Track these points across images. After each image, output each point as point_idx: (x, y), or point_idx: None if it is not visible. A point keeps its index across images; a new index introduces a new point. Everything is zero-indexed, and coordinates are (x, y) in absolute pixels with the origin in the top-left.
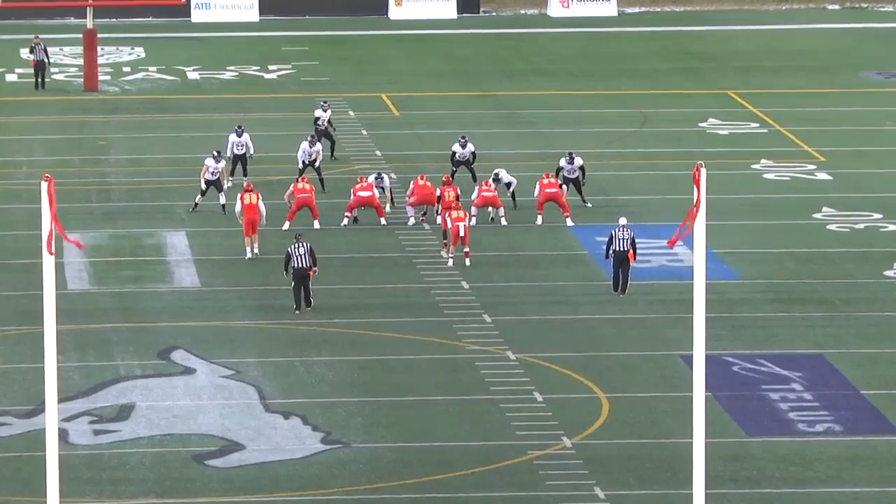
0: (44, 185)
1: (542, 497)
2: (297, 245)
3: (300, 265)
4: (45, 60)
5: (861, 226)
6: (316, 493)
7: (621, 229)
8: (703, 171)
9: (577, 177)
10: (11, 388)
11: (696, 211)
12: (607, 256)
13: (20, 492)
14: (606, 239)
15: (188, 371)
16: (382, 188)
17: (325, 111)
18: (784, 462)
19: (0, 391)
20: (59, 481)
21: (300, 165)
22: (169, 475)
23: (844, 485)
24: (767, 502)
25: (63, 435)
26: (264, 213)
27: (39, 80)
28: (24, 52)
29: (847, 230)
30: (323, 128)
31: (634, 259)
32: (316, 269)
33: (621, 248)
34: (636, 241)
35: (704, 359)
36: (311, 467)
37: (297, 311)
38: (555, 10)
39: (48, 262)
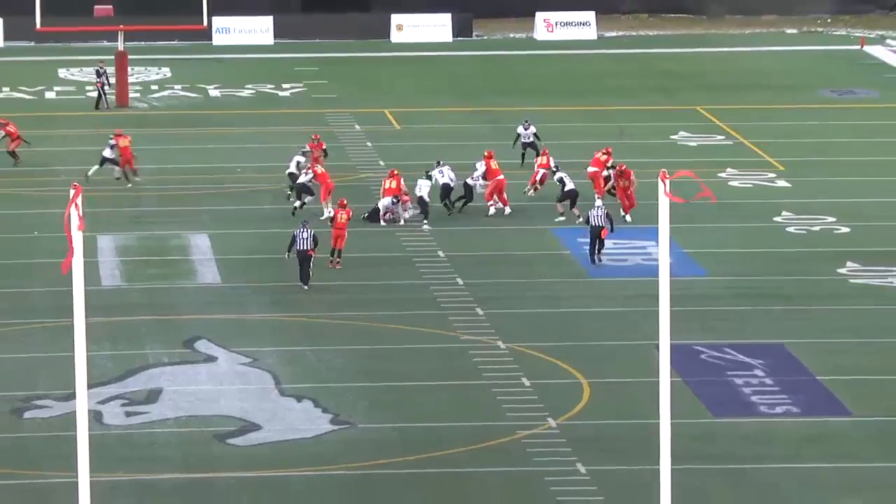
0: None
1: (529, 472)
2: (302, 229)
3: (302, 247)
4: (107, 84)
5: (817, 228)
6: (326, 469)
7: (597, 209)
8: (668, 180)
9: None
10: (52, 374)
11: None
12: (587, 223)
13: (60, 468)
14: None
15: (210, 359)
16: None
17: (525, 129)
18: (747, 441)
19: (42, 377)
20: (94, 458)
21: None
22: (193, 452)
23: (802, 461)
24: (732, 477)
25: (98, 416)
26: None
27: (103, 100)
28: (90, 75)
29: (804, 232)
30: (528, 141)
31: (606, 234)
32: (315, 249)
33: (596, 224)
34: (611, 216)
35: (674, 348)
36: (322, 446)
37: (305, 288)
38: (540, 34)
39: (77, 252)
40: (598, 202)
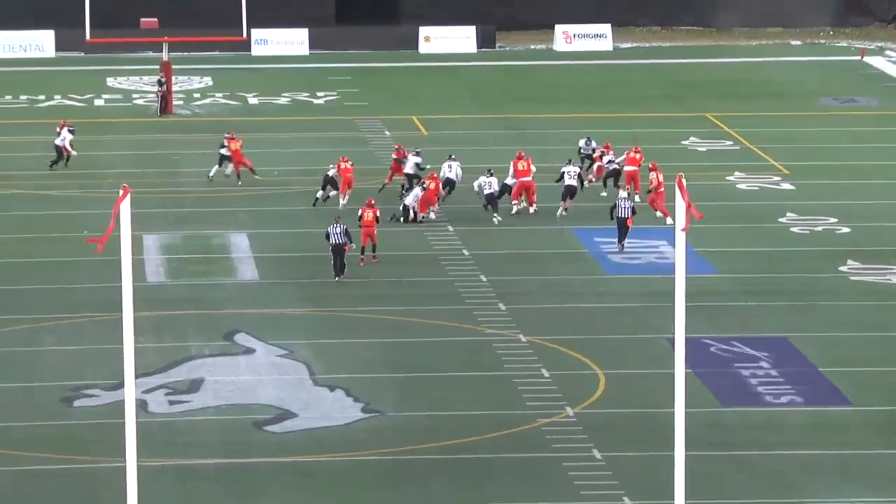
0: (121, 193)
1: (548, 458)
2: (335, 225)
3: (337, 241)
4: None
5: (819, 228)
6: (356, 454)
7: (623, 200)
8: (684, 181)
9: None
10: (100, 365)
11: (687, 208)
12: (612, 218)
13: (108, 453)
14: (611, 206)
15: (249, 351)
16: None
17: (587, 144)
18: (754, 428)
19: (90, 368)
20: (139, 444)
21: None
22: (232, 439)
23: (805, 448)
24: (739, 463)
25: (143, 405)
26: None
27: (162, 107)
28: (137, 83)
29: (807, 232)
30: (587, 153)
31: (631, 224)
32: (352, 244)
33: (622, 216)
34: (635, 208)
35: (685, 341)
36: (353, 432)
37: (336, 280)
38: (559, 45)
39: (126, 253)
40: (623, 194)
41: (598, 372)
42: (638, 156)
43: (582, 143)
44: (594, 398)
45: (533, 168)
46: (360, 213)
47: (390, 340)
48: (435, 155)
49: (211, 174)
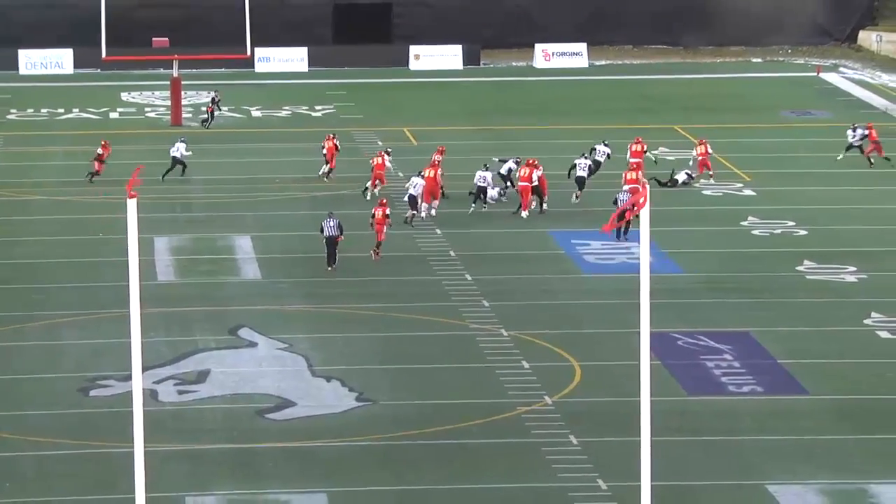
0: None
1: (528, 443)
2: (328, 219)
3: (329, 234)
4: (217, 109)
5: (778, 231)
6: (351, 440)
7: (624, 193)
8: (648, 189)
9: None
10: (114, 358)
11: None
12: (615, 205)
13: (121, 440)
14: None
15: (252, 344)
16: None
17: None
18: (718, 416)
19: (106, 360)
20: (151, 431)
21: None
22: (236, 426)
23: (765, 433)
24: (704, 448)
25: (154, 394)
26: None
27: (210, 121)
28: (149, 98)
29: (767, 234)
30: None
31: (630, 216)
32: (342, 237)
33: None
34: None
35: (654, 335)
36: (348, 420)
37: (329, 269)
38: (539, 62)
39: (133, 251)
40: (626, 187)
41: (574, 363)
42: (639, 147)
43: (598, 147)
44: (571, 388)
45: (534, 178)
46: (372, 212)
47: (383, 334)
48: (423, 163)
49: (320, 172)
